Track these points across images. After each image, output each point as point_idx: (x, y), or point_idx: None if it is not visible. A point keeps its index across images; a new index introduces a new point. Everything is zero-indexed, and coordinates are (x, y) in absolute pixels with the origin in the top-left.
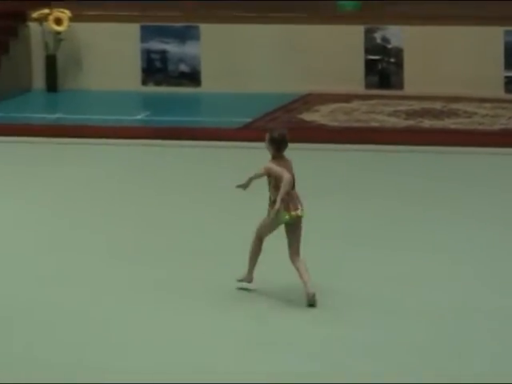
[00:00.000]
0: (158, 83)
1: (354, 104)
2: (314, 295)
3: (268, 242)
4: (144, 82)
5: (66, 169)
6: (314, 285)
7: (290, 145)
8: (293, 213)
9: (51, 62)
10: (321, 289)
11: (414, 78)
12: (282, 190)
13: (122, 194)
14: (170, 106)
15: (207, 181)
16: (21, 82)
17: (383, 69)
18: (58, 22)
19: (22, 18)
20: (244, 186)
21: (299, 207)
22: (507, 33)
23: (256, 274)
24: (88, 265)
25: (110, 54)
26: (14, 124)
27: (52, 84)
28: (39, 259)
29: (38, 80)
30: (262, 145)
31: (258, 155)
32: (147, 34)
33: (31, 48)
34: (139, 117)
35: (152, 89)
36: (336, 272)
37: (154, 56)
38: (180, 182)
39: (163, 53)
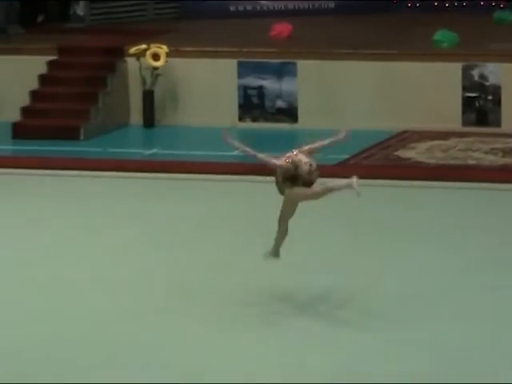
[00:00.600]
0: (254, 119)
1: (451, 141)
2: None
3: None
4: (241, 118)
5: (164, 205)
6: None
7: (386, 182)
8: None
9: (148, 97)
10: None
11: None
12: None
13: (230, 229)
14: (267, 142)
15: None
16: (118, 117)
17: (481, 106)
18: (156, 57)
19: (120, 53)
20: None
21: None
22: None
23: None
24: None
25: (206, 89)
26: (111, 159)
27: (149, 119)
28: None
29: (135, 115)
30: (360, 182)
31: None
32: (244, 69)
33: (129, 83)
34: (235, 153)
35: (249, 125)
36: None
37: (250, 92)
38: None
39: (260, 89)
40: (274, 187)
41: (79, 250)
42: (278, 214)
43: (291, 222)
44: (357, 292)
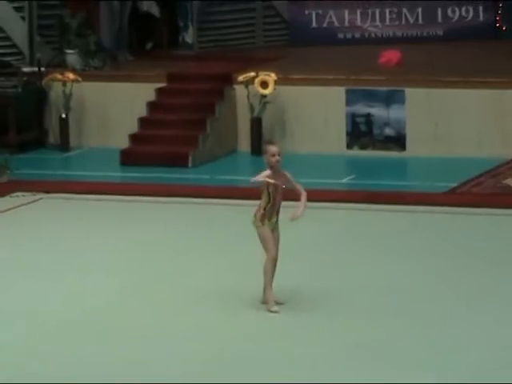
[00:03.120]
0: (363, 147)
1: None
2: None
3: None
4: (349, 146)
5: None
6: None
7: (493, 210)
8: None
9: (256, 124)
10: None
11: None
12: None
13: (349, 258)
14: (375, 170)
15: (427, 246)
16: (226, 144)
17: None
18: (264, 84)
19: (229, 80)
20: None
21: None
22: None
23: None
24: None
25: (314, 116)
26: (220, 186)
27: (257, 146)
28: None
29: (243, 142)
30: (469, 211)
31: (464, 221)
32: (353, 97)
33: (237, 110)
34: (343, 180)
35: (357, 152)
36: None
37: (359, 119)
38: (398, 246)
39: (368, 116)
40: (386, 214)
41: (187, 276)
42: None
43: None
44: None
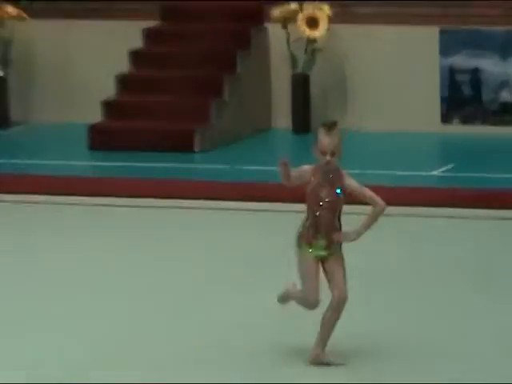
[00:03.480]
0: (466, 120)
1: None
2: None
3: None
4: (445, 119)
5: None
6: None
7: None
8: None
9: (301, 86)
10: None
11: None
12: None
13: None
14: (486, 156)
15: None
16: (254, 118)
17: None
18: (313, 22)
19: (258, 16)
20: None
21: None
22: None
23: None
24: None
25: (392, 74)
26: (243, 183)
27: (302, 120)
28: None
29: (281, 114)
30: None
31: None
32: (451, 42)
33: (270, 63)
34: (435, 172)
35: (457, 129)
36: None
37: (460, 78)
38: None
39: (475, 73)
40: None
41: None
42: None
43: None
44: None
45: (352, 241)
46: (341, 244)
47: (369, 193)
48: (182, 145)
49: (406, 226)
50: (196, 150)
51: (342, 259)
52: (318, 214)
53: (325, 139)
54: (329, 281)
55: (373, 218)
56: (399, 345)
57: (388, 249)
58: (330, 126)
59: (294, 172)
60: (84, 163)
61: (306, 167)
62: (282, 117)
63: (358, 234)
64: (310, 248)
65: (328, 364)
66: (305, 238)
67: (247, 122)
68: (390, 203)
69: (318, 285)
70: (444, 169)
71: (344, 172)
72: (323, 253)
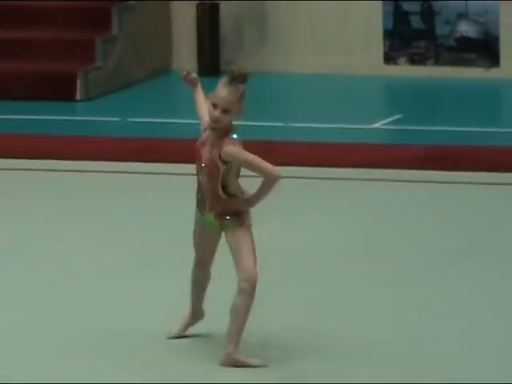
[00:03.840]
0: (415, 60)
1: None
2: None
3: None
4: (388, 58)
5: None
6: None
7: None
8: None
9: (210, 18)
10: None
11: None
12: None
13: None
14: (439, 104)
15: None
16: (150, 57)
17: None
18: None
19: None
20: None
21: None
22: None
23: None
24: None
25: (325, 3)
26: (138, 139)
27: (209, 61)
28: None
29: (183, 53)
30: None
31: None
32: None
33: None
34: (377, 125)
35: (404, 70)
36: None
37: (408, 7)
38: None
39: (426, 1)
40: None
41: None
42: None
43: None
44: None
45: (244, 212)
46: (242, 216)
47: (256, 161)
48: (60, 92)
49: (338, 191)
50: (78, 97)
51: (244, 234)
52: (200, 178)
53: (222, 91)
54: (233, 261)
55: (265, 189)
56: (334, 341)
57: (323, 220)
58: (236, 78)
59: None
60: None
61: (207, 117)
62: (185, 55)
63: (249, 204)
64: (197, 215)
65: (244, 365)
66: (196, 205)
67: (141, 62)
68: (316, 164)
69: (202, 250)
70: (388, 120)
71: (231, 138)
72: (215, 227)
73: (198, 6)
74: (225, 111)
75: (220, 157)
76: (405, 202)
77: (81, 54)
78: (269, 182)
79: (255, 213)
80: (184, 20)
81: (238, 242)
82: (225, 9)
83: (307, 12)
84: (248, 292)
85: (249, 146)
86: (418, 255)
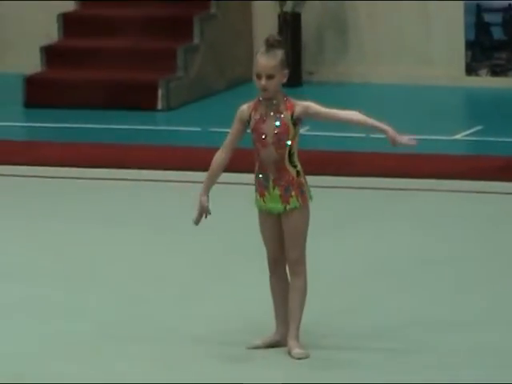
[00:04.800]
0: (497, 71)
1: None
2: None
3: None
4: (470, 69)
5: None
6: None
7: None
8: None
9: (291, 28)
10: None
11: None
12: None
13: None
14: None
15: None
16: (232, 67)
17: None
18: None
19: None
20: None
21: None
22: None
23: None
24: None
25: (406, 13)
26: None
27: (292, 69)
28: None
29: None
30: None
31: None
32: None
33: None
34: (458, 136)
35: (486, 82)
36: None
37: (490, 18)
38: None
39: (507, 11)
40: None
41: None
42: None
43: None
44: None
45: (305, 190)
46: (304, 195)
47: (331, 109)
48: (141, 102)
49: (419, 201)
50: (159, 107)
51: (304, 216)
52: (263, 155)
53: (261, 59)
54: (287, 240)
55: (369, 121)
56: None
57: (400, 229)
58: (272, 44)
59: (229, 135)
60: (19, 123)
61: (244, 105)
62: None
63: (388, 128)
64: (259, 199)
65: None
66: (256, 189)
67: (222, 71)
68: (399, 175)
69: (270, 239)
70: (469, 132)
71: (292, 99)
72: (278, 208)
73: (279, 15)
74: (269, 77)
75: (292, 117)
76: (486, 213)
77: (162, 63)
78: (357, 120)
79: (330, 223)
80: (265, 29)
81: (296, 224)
82: (306, 17)
83: (388, 22)
84: (304, 274)
85: (328, 156)
86: (498, 266)
